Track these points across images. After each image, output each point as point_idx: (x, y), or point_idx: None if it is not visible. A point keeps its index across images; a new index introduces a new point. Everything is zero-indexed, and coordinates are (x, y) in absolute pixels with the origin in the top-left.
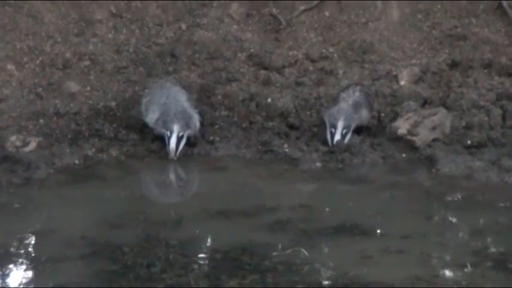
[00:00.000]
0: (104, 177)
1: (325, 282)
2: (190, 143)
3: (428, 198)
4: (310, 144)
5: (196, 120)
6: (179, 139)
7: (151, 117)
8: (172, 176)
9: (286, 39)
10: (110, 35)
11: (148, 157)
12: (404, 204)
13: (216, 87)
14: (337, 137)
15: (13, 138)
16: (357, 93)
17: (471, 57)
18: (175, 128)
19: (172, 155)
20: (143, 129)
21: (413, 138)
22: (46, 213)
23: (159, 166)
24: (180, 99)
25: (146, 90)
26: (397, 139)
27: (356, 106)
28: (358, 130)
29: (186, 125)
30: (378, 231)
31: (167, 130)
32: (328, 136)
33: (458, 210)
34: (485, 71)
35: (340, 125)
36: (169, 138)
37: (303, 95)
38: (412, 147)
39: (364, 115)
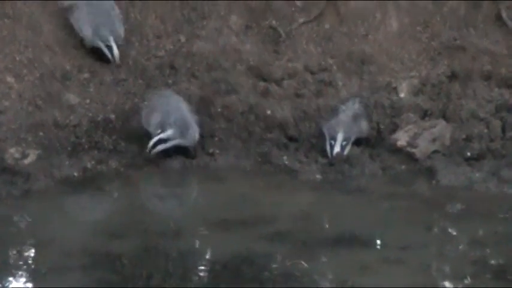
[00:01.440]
0: (103, 189)
1: None
2: (190, 154)
3: (428, 209)
4: (309, 156)
5: (193, 131)
6: (164, 140)
7: (153, 124)
8: (171, 187)
9: (286, 51)
10: None
11: (147, 169)
12: (403, 215)
13: (215, 99)
14: (337, 149)
15: (12, 150)
16: (357, 105)
17: (470, 69)
18: (170, 132)
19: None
20: (143, 140)
21: (413, 150)
22: (45, 224)
23: (159, 177)
24: (181, 107)
25: (146, 100)
26: (397, 151)
27: (356, 118)
28: (358, 142)
29: (181, 134)
30: (378, 242)
31: (161, 130)
32: (328, 148)
33: (457, 221)
34: (485, 82)
35: (339, 137)
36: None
37: (302, 106)
38: (411, 159)
39: (364, 127)
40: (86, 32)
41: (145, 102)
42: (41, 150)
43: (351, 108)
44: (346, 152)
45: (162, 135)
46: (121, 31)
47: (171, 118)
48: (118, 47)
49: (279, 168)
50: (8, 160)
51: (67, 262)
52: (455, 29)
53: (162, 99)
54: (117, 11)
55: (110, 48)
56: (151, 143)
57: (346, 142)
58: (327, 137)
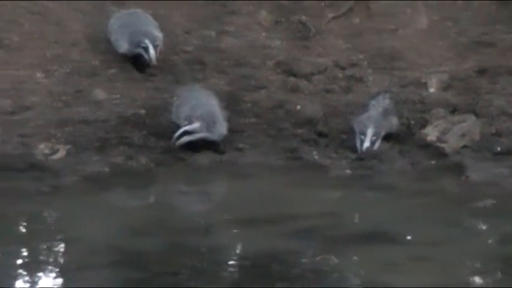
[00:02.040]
0: (131, 185)
1: None
2: (218, 150)
3: (457, 206)
4: (339, 152)
5: (220, 126)
6: (189, 133)
7: (182, 118)
8: (200, 184)
9: (315, 47)
10: None
11: (176, 165)
12: (432, 211)
13: (244, 95)
14: (367, 144)
15: (41, 146)
16: (387, 101)
17: (499, 64)
18: (196, 124)
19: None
20: (172, 136)
21: (443, 145)
22: (74, 221)
23: (188, 174)
24: (211, 102)
25: (176, 95)
26: (426, 146)
27: (385, 113)
28: (387, 137)
29: (208, 127)
30: (407, 238)
31: (188, 122)
32: (358, 143)
33: (486, 218)
34: None
35: (369, 132)
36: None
37: (332, 102)
38: (441, 154)
39: (394, 122)
40: (122, 48)
41: (175, 97)
42: (69, 146)
43: (381, 104)
44: (376, 147)
45: (187, 127)
46: (159, 35)
47: (198, 111)
48: (156, 47)
49: (308, 164)
50: (37, 156)
51: (95, 259)
52: (484, 24)
53: (192, 93)
54: (152, 19)
55: (145, 49)
56: (177, 134)
57: (376, 137)
58: (357, 132)
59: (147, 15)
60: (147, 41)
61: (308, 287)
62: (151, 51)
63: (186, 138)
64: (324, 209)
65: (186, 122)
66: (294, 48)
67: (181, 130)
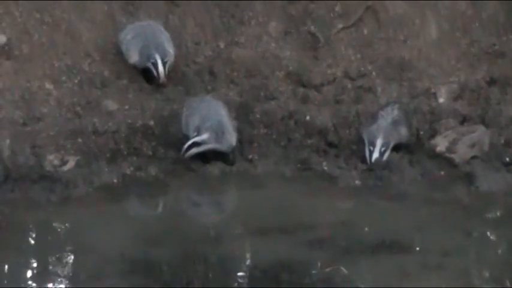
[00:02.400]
0: (142, 195)
1: None
2: (228, 161)
3: (467, 215)
4: (349, 162)
5: (230, 137)
6: (198, 144)
7: (191, 129)
8: (210, 194)
9: (325, 57)
10: None
11: (187, 175)
12: (443, 220)
13: (254, 105)
14: (376, 154)
15: (51, 156)
16: (396, 111)
17: (509, 74)
18: (205, 136)
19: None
20: (182, 147)
21: (452, 155)
22: (85, 231)
23: (198, 184)
24: (220, 112)
25: (186, 106)
26: (436, 156)
27: (395, 124)
28: (397, 148)
29: (217, 138)
30: (417, 248)
31: (197, 133)
32: (367, 154)
33: (497, 227)
34: None
35: (378, 142)
36: (196, 138)
37: (342, 112)
38: (451, 164)
39: (403, 133)
40: (133, 59)
41: (185, 108)
42: (80, 157)
43: (390, 114)
44: (385, 157)
45: (196, 139)
46: (170, 50)
47: (208, 123)
48: (165, 64)
49: (319, 174)
50: (47, 167)
51: (106, 269)
52: (495, 34)
53: (202, 104)
54: (165, 32)
55: (155, 65)
56: (186, 146)
57: (385, 148)
58: (366, 143)
59: (161, 28)
60: (157, 57)
61: None
62: (160, 68)
63: (194, 150)
64: (334, 218)
65: (195, 133)
66: (304, 58)
67: (190, 142)
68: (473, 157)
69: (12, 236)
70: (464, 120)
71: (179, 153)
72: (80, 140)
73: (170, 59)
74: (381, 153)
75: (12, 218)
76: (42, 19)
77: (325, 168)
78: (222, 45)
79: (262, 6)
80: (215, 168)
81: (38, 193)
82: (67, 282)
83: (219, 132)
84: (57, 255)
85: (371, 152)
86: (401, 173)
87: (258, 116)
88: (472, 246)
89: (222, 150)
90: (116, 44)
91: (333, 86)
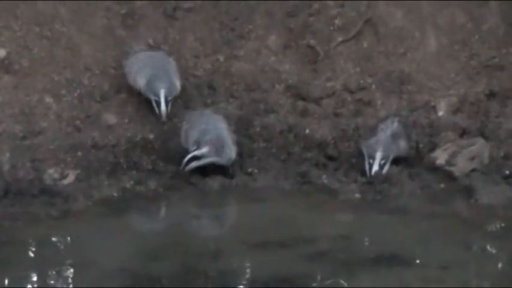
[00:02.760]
0: (142, 210)
1: None
2: (228, 174)
3: (467, 228)
4: (348, 175)
5: (230, 150)
6: (198, 158)
7: (190, 142)
8: (210, 208)
9: (324, 70)
10: None
11: (186, 189)
12: (443, 234)
13: (254, 119)
14: (375, 167)
15: (51, 170)
16: (395, 124)
17: (509, 87)
18: (204, 149)
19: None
20: (181, 161)
21: (452, 168)
22: (85, 245)
23: (198, 198)
24: (220, 126)
25: (185, 119)
26: (436, 169)
27: (394, 137)
28: (396, 161)
29: (216, 152)
30: (417, 261)
31: (196, 147)
32: (367, 167)
33: (497, 240)
34: None
35: (378, 155)
36: (195, 151)
37: (341, 125)
38: (450, 177)
39: (402, 146)
40: (140, 82)
41: (184, 122)
42: (79, 171)
43: (389, 127)
44: (384, 171)
45: (196, 153)
46: (177, 84)
47: (207, 136)
48: (169, 103)
49: (318, 187)
50: (46, 181)
51: (106, 283)
52: (494, 47)
53: (201, 117)
54: (173, 64)
55: (158, 104)
56: (185, 160)
57: (385, 161)
58: (366, 156)
59: (169, 59)
60: (161, 94)
61: None
62: (163, 107)
63: (194, 164)
64: (334, 232)
65: (195, 147)
66: (303, 72)
67: (189, 155)
68: (473, 170)
69: (12, 250)
70: (463, 133)
71: (179, 167)
72: (79, 153)
73: (175, 94)
74: (381, 166)
75: (12, 232)
76: (42, 33)
77: (325, 181)
78: (221, 58)
79: (261, 20)
80: (215, 182)
81: (38, 207)
82: None
83: (218, 146)
84: (57, 270)
85: (370, 165)
86: (400, 186)
87: (257, 129)
88: (472, 260)
89: (222, 163)
90: (116, 59)
91: (332, 99)
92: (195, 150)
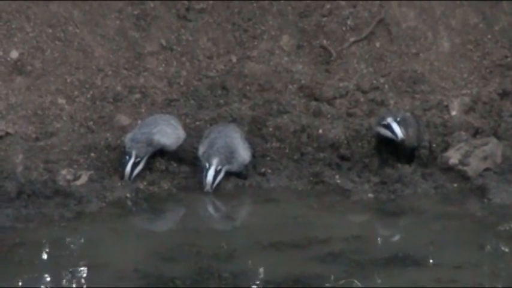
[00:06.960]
0: (155, 210)
1: None
2: (242, 175)
3: (480, 228)
4: (361, 175)
5: (240, 156)
6: (217, 173)
7: (200, 151)
8: (224, 208)
9: (337, 71)
10: (161, 68)
11: (199, 190)
12: (456, 234)
13: (267, 119)
14: (398, 130)
15: (64, 171)
16: (405, 113)
17: None
18: (214, 161)
19: (208, 187)
20: (194, 162)
21: (465, 168)
22: (98, 246)
23: (211, 199)
24: (231, 135)
25: (205, 132)
26: (449, 169)
27: (403, 121)
28: (409, 159)
29: (226, 159)
30: (430, 261)
31: (207, 162)
32: (389, 132)
33: (510, 240)
34: None
35: (395, 125)
36: (207, 170)
37: (354, 125)
38: (463, 177)
39: (411, 134)
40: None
41: (205, 135)
42: (93, 172)
43: (399, 113)
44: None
45: (213, 167)
46: (176, 139)
47: (214, 146)
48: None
49: (331, 188)
50: (60, 182)
51: (119, 284)
52: (507, 47)
53: (219, 127)
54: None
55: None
56: (209, 181)
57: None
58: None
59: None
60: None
61: None
62: (209, 177)
63: (219, 178)
64: (347, 232)
65: (207, 164)
66: (316, 72)
67: (210, 175)
68: (486, 170)
69: (26, 251)
70: (476, 132)
71: (193, 169)
72: (92, 154)
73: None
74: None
75: (26, 234)
76: (55, 34)
77: (338, 181)
78: (234, 59)
79: (274, 21)
80: (228, 183)
81: (51, 208)
82: None
83: (227, 153)
84: (71, 271)
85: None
86: (414, 186)
87: (270, 130)
88: (486, 260)
89: (233, 170)
90: (129, 60)
91: (345, 100)
92: (207, 166)
